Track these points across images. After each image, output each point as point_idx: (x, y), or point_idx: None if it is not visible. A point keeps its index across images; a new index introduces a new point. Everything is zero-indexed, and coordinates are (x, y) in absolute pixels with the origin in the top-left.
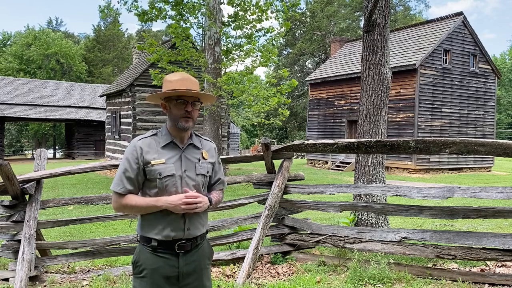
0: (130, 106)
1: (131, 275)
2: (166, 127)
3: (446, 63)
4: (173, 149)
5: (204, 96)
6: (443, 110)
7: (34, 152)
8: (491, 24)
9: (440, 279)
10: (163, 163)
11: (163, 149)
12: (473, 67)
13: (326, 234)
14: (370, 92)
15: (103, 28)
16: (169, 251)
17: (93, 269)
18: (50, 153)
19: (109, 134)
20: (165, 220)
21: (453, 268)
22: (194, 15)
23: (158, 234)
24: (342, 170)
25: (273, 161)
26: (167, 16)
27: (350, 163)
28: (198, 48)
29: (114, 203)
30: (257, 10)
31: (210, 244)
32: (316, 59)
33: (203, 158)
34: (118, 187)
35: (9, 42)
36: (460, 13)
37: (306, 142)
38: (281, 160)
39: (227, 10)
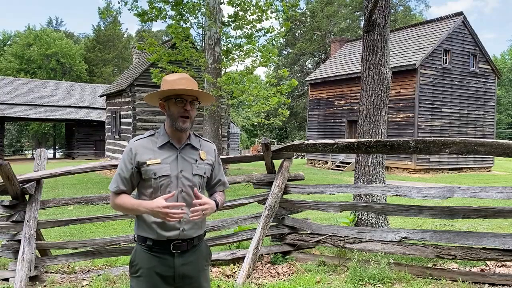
0: (130, 106)
1: (129, 275)
2: (164, 127)
3: (446, 63)
4: (170, 149)
5: (203, 95)
6: (443, 110)
7: (34, 152)
8: (491, 24)
9: (440, 279)
10: (158, 163)
11: (160, 149)
12: (473, 67)
13: (326, 234)
14: (370, 92)
15: (103, 28)
16: (165, 251)
17: (93, 269)
18: (50, 153)
19: (109, 134)
20: (159, 220)
21: (453, 268)
22: (194, 15)
23: (152, 233)
24: (342, 170)
25: (273, 161)
26: (167, 16)
27: (350, 163)
28: (198, 48)
29: (111, 202)
30: (257, 10)
31: (207, 245)
32: (316, 59)
33: (201, 159)
34: (113, 186)
35: (9, 42)
36: (460, 13)
37: (306, 142)
38: (281, 160)
39: (227, 10)
